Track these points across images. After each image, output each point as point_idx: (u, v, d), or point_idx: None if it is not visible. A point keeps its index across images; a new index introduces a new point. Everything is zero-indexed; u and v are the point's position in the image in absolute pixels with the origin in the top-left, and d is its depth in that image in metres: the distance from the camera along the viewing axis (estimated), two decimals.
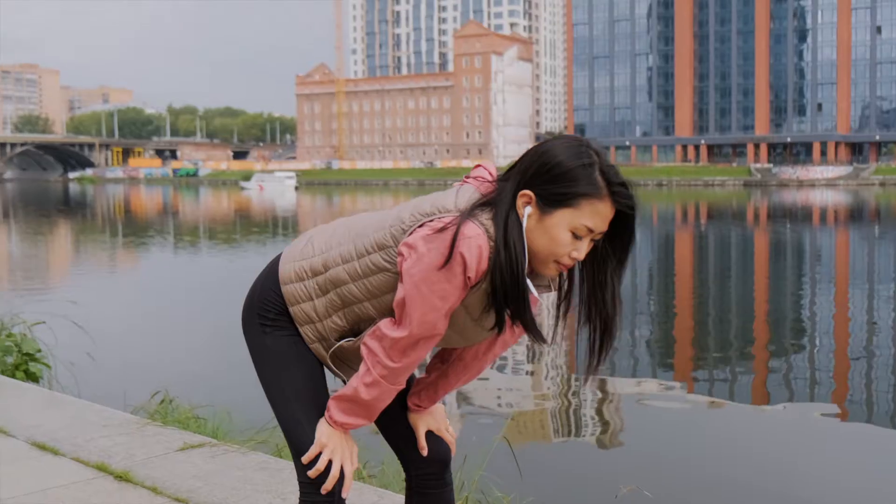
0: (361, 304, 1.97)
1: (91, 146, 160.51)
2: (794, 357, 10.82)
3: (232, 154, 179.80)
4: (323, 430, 2.01)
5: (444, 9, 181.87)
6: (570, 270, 1.99)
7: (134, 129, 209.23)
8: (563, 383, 9.39)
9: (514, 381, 9.33)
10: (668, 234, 31.73)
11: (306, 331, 2.03)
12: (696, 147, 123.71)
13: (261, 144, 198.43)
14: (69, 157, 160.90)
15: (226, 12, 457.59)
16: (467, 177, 1.99)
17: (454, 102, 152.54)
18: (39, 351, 5.74)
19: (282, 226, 37.39)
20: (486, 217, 1.86)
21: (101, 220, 41.50)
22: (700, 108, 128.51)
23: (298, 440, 2.03)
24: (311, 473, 1.99)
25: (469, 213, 1.85)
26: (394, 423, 2.19)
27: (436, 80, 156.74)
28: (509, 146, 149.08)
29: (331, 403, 2.01)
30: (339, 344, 2.02)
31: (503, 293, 1.85)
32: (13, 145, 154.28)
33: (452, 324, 1.94)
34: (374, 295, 1.95)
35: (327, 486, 1.99)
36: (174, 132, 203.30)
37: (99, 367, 5.99)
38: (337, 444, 2.00)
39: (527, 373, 9.86)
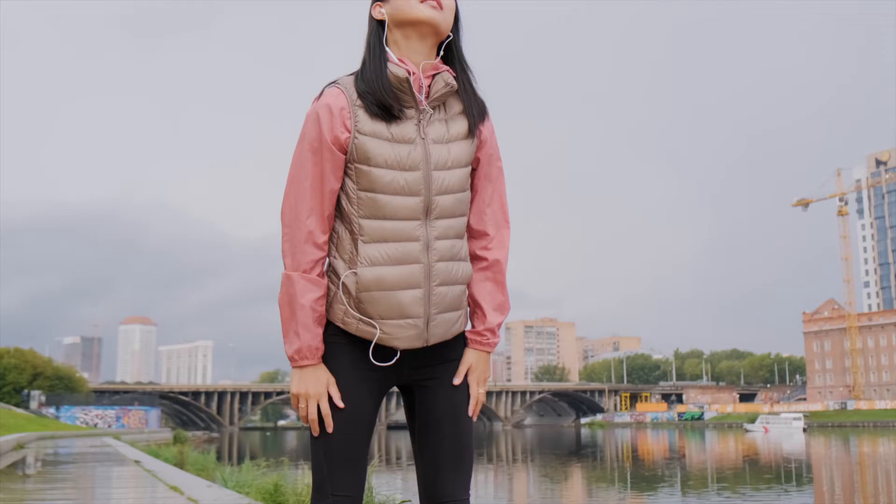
0: None
1: (601, 392, 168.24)
2: None
3: (738, 396, 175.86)
4: (291, 380, 2.08)
5: None
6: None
7: (641, 375, 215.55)
8: None
9: None
10: None
11: None
12: None
13: (768, 386, 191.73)
14: (581, 402, 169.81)
15: (727, 256, 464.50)
16: None
17: None
18: None
19: (794, 473, 34.25)
20: (347, 76, 2.11)
21: (609, 464, 42.72)
22: None
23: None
24: (315, 431, 2.05)
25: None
26: (421, 448, 2.18)
27: None
28: None
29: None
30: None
31: (371, 70, 2.05)
32: (532, 393, 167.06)
33: (397, 155, 2.03)
34: None
35: (314, 430, 2.04)
36: (680, 376, 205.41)
37: None
38: (303, 387, 2.04)
39: None
